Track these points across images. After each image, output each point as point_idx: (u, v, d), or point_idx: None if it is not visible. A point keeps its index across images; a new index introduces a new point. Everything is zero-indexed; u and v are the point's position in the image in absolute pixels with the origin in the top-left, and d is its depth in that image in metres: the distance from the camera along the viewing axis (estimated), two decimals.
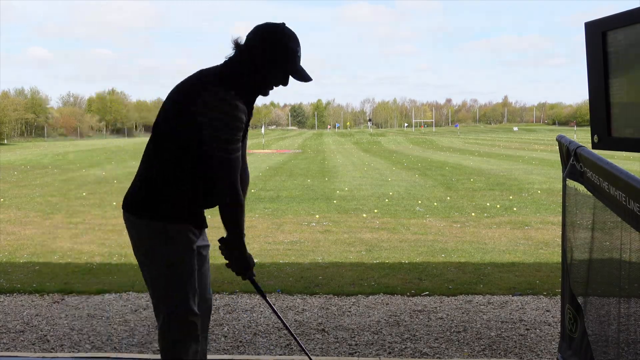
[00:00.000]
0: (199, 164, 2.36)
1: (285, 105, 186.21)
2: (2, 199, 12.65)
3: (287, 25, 2.39)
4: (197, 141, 2.31)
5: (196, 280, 2.50)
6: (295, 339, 2.77)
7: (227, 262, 2.53)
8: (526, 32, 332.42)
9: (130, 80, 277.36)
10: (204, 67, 2.47)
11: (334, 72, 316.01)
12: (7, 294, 5.24)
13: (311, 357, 2.93)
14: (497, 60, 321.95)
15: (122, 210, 2.53)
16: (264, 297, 2.67)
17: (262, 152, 34.67)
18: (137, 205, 2.45)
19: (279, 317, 2.72)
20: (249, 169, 2.68)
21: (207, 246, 2.67)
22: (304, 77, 2.41)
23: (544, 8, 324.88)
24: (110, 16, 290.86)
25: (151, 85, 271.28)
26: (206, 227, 2.60)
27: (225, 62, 2.42)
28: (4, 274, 6.00)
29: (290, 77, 2.42)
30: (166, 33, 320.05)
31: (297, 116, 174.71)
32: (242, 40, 2.39)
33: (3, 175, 19.43)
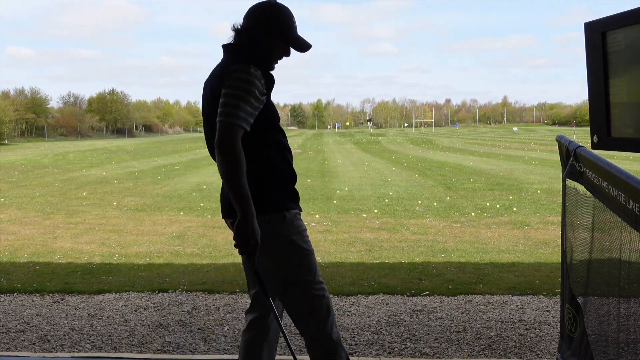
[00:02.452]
0: (266, 142, 2.37)
1: (285, 105, 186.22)
2: (2, 199, 12.65)
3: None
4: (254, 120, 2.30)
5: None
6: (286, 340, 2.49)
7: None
8: (501, 33, 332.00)
9: (119, 80, 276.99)
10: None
11: (320, 72, 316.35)
12: (8, 294, 5.25)
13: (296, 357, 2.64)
14: (480, 60, 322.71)
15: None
16: (266, 296, 2.39)
17: None
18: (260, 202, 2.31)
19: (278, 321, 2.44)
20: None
21: None
22: (303, 44, 2.47)
23: (518, 8, 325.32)
24: (88, 16, 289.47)
25: (140, 86, 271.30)
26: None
27: (228, 46, 2.46)
28: (4, 273, 6.00)
29: (291, 47, 2.48)
30: (148, 32, 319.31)
31: (297, 116, 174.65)
32: (239, 25, 2.46)
33: (3, 175, 19.43)
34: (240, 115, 2.22)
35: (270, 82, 2.40)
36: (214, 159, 2.37)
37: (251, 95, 2.25)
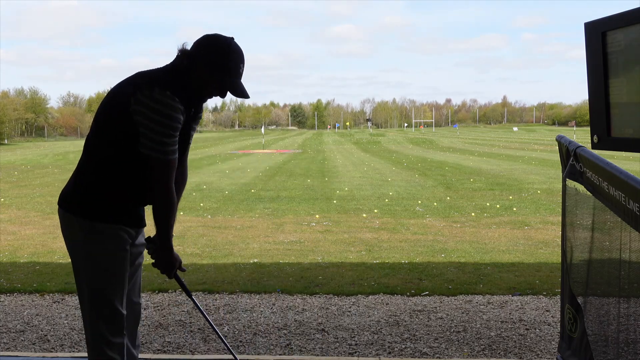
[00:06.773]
0: (134, 163, 2.36)
1: (285, 105, 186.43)
2: (2, 199, 12.65)
3: (235, 40, 2.42)
4: (134, 141, 2.31)
5: (126, 280, 2.51)
6: (221, 338, 2.93)
7: (153, 261, 2.57)
8: (466, 35, 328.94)
9: (105, 81, 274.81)
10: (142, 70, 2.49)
11: (301, 71, 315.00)
12: (8, 294, 5.25)
13: (236, 356, 3.06)
14: (454, 61, 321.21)
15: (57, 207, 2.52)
16: (190, 296, 2.77)
17: (262, 152, 34.66)
18: (72, 202, 2.44)
19: (204, 316, 2.85)
20: (187, 172, 2.69)
21: (143, 244, 2.65)
22: (241, 92, 2.44)
23: (479, 7, 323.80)
24: (58, 15, 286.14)
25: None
26: (144, 225, 2.58)
27: (167, 65, 2.44)
28: (4, 273, 6.00)
29: (227, 90, 2.45)
30: (122, 30, 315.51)
31: (297, 116, 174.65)
32: (189, 47, 2.42)
33: (3, 175, 19.43)
34: (173, 152, 2.35)
35: (192, 116, 2.47)
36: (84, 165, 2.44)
37: (174, 131, 2.33)
